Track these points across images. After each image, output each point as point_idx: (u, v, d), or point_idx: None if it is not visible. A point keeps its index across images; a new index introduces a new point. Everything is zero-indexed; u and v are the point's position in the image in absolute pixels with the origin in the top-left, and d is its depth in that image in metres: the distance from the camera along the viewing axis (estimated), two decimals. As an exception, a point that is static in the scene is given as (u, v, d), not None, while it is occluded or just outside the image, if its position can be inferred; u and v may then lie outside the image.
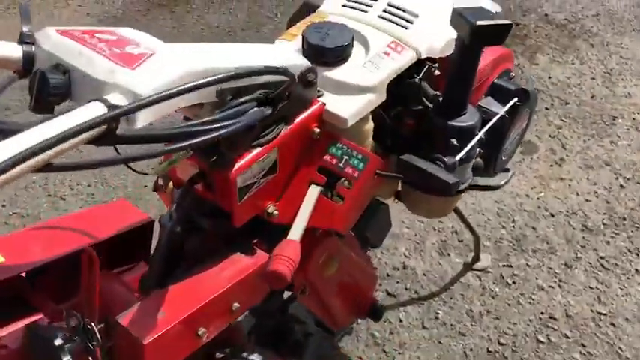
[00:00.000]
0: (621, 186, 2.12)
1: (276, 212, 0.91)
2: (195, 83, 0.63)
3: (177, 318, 0.82)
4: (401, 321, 1.69)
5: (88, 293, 0.80)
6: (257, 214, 0.91)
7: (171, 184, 0.98)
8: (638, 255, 1.88)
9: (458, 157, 0.97)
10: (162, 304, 0.84)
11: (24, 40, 0.68)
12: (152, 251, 0.99)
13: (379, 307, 1.41)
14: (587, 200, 2.07)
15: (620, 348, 1.63)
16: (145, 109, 0.60)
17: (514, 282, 1.80)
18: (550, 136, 2.34)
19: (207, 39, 2.88)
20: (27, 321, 0.91)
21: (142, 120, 0.63)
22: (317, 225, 0.94)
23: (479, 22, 0.89)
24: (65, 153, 0.56)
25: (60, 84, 0.64)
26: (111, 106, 0.58)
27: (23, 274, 0.89)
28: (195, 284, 0.89)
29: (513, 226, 1.97)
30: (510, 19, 0.94)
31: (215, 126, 0.69)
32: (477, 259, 1.82)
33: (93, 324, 0.79)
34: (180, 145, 0.66)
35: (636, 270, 1.84)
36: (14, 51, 0.68)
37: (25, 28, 0.69)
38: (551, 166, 2.21)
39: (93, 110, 0.58)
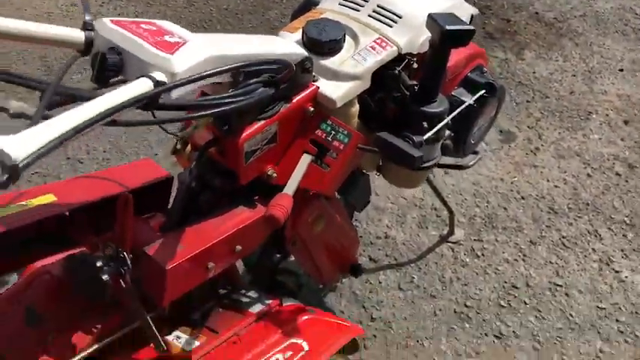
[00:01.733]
0: (588, 175, 2.33)
1: (274, 175, 1.12)
2: (221, 69, 0.83)
3: (192, 252, 1.03)
4: (380, 283, 1.91)
5: (123, 228, 1.01)
6: (259, 176, 1.12)
7: (189, 148, 1.18)
8: (596, 237, 2.10)
9: (425, 137, 1.17)
10: (180, 241, 1.05)
11: (86, 27, 0.88)
12: (171, 202, 1.21)
13: (359, 266, 1.62)
14: (556, 186, 2.28)
15: (570, 315, 1.85)
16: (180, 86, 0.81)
17: (483, 254, 2.01)
18: (528, 126, 2.54)
19: (216, 20, 3.06)
20: (68, 253, 1.12)
21: (176, 93, 0.83)
22: (307, 186, 1.15)
23: (447, 27, 1.09)
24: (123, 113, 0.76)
25: (116, 63, 0.84)
26: (156, 83, 0.78)
27: (67, 213, 1.10)
28: (206, 228, 1.09)
29: (487, 206, 2.19)
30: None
31: (232, 100, 0.89)
32: (451, 232, 2.03)
33: (125, 253, 1.00)
34: (207, 112, 0.86)
35: (593, 249, 2.05)
36: (78, 35, 0.88)
37: (86, 17, 0.89)
38: (526, 154, 2.42)
39: (143, 85, 0.78)
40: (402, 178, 1.32)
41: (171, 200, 1.21)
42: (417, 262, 1.97)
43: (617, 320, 1.84)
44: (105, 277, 0.97)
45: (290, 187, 1.06)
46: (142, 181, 1.17)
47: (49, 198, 1.04)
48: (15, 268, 1.12)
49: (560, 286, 1.93)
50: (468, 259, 2.00)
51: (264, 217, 0.99)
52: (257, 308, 1.21)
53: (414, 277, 1.93)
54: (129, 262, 1.00)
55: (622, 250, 2.04)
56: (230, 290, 1.27)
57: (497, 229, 2.11)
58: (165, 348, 1.03)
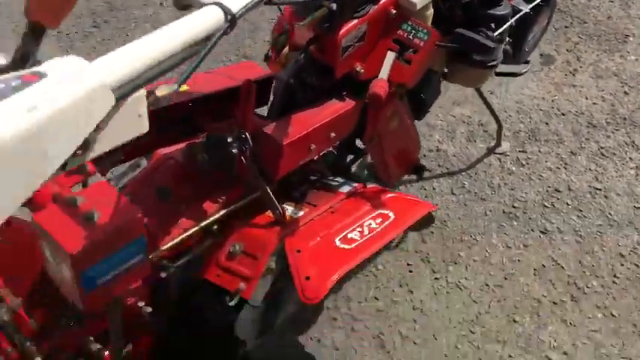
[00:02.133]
0: (625, 92, 2.47)
1: (362, 70, 1.30)
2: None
3: (300, 133, 1.23)
4: (434, 189, 2.11)
5: (245, 112, 1.20)
6: (349, 71, 1.30)
7: (286, 49, 1.36)
8: (633, 147, 2.26)
9: (496, 34, 1.34)
10: (288, 126, 1.25)
11: None
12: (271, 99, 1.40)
13: (422, 167, 1.82)
14: (594, 103, 2.43)
15: (609, 213, 2.04)
16: None
17: (528, 163, 2.19)
18: (567, 50, 2.68)
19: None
20: (190, 140, 1.32)
21: None
22: (393, 79, 1.33)
23: None
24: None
25: None
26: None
27: (190, 105, 1.29)
28: (306, 116, 1.29)
29: (530, 121, 2.35)
30: None
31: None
32: (498, 144, 2.22)
33: (247, 134, 1.20)
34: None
35: (630, 158, 2.22)
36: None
37: None
38: (565, 75, 2.56)
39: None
40: (469, 77, 1.49)
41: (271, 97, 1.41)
42: (467, 171, 2.16)
43: (652, 218, 2.02)
44: (234, 151, 1.18)
45: (383, 73, 1.24)
46: (252, 76, 1.36)
47: (182, 88, 1.23)
48: (149, 150, 1.33)
49: (600, 189, 2.11)
50: (513, 168, 2.18)
51: (368, 95, 1.18)
52: (345, 189, 1.41)
53: (464, 184, 2.13)
54: (250, 140, 1.20)
55: (657, 159, 2.21)
56: (319, 177, 1.47)
57: (539, 141, 2.28)
58: (281, 212, 1.24)
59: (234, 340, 1.18)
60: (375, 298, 1.81)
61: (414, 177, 2.03)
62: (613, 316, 1.79)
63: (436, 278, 1.86)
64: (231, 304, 1.18)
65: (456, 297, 1.82)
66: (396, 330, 1.73)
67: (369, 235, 1.25)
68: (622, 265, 1.91)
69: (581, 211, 2.05)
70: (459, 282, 1.85)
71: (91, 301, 0.90)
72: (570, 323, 1.77)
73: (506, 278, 1.87)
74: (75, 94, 0.58)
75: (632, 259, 1.92)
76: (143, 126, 0.72)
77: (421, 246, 1.94)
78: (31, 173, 0.56)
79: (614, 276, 1.88)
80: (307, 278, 1.12)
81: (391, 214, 1.34)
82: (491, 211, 2.05)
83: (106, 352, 1.11)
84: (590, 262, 1.91)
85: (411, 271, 1.88)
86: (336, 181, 1.45)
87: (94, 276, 0.88)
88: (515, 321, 1.77)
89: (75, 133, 0.59)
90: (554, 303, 1.81)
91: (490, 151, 2.22)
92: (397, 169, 1.74)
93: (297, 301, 1.15)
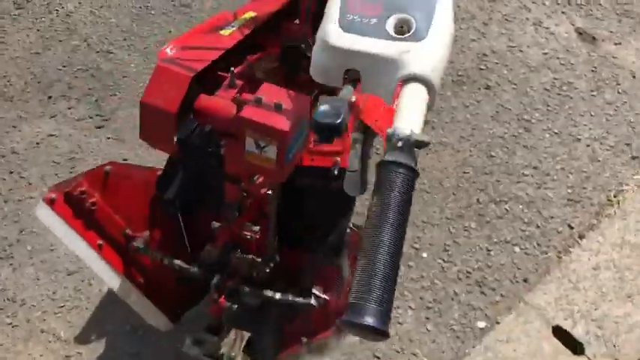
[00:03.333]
0: (505, -31, 3.00)
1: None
2: None
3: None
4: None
5: (304, 21, 1.49)
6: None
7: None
8: (526, 9, 2.80)
9: None
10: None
11: None
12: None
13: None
14: (485, -18, 2.93)
15: (528, 62, 2.57)
16: None
17: (456, 41, 2.65)
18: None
19: None
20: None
21: None
22: None
23: None
24: None
25: None
26: None
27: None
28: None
29: (444, 7, 2.81)
30: None
31: None
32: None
33: (309, 40, 1.49)
34: None
35: (527, 18, 2.76)
36: None
37: None
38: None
39: None
40: None
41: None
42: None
43: None
44: (308, 53, 1.47)
45: None
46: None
47: (250, 14, 1.48)
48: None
49: (514, 46, 2.64)
50: (446, 46, 2.63)
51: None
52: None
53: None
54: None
55: None
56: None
57: (458, 21, 2.74)
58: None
59: (345, 200, 1.51)
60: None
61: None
62: (556, 133, 2.35)
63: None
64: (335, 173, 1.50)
65: (445, 154, 2.27)
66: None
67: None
68: (549, 96, 2.46)
69: (507, 65, 2.57)
70: (442, 140, 2.30)
71: (287, 171, 1.19)
72: (530, 147, 2.30)
73: (474, 128, 2.35)
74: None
75: (554, 90, 2.48)
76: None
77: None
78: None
79: (547, 105, 2.43)
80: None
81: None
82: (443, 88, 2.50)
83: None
84: (528, 100, 2.45)
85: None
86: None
87: (290, 149, 1.17)
88: (492, 156, 2.27)
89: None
90: (514, 135, 2.33)
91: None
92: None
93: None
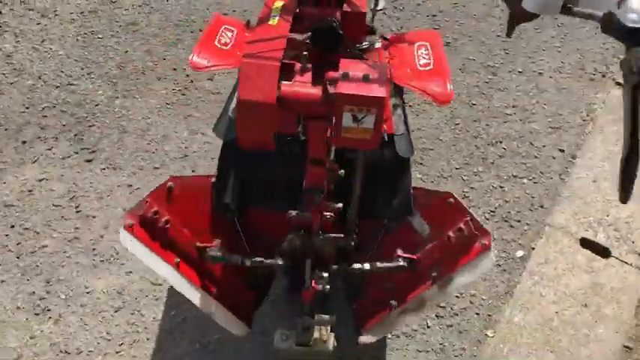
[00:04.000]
0: None
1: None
2: None
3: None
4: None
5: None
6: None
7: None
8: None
9: None
10: None
11: None
12: None
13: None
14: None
15: (465, 16, 2.75)
16: None
17: (404, 11, 2.78)
18: None
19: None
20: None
21: None
22: None
23: None
24: None
25: None
26: None
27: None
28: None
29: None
30: None
31: None
32: (376, 4, 2.76)
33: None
34: None
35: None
36: None
37: None
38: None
39: None
40: None
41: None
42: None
43: None
44: (340, 31, 1.51)
45: None
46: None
47: (279, 3, 1.49)
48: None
49: (457, 4, 2.80)
50: (397, 14, 2.75)
51: None
52: None
53: (377, 39, 2.65)
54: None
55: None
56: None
57: (398, -10, 2.87)
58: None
59: (399, 163, 1.57)
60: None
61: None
62: (520, 72, 2.54)
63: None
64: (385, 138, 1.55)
65: (434, 112, 2.39)
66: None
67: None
68: (503, 41, 2.65)
69: (457, 21, 2.73)
70: (425, 99, 2.42)
71: (379, 138, 1.24)
72: (503, 88, 2.47)
73: (449, 83, 2.48)
74: None
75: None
76: None
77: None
78: None
79: (504, 49, 2.62)
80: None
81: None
82: (407, 48, 2.61)
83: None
84: (486, 48, 2.62)
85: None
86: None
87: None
88: (474, 104, 2.42)
89: None
90: (486, 82, 2.50)
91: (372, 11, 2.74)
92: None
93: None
